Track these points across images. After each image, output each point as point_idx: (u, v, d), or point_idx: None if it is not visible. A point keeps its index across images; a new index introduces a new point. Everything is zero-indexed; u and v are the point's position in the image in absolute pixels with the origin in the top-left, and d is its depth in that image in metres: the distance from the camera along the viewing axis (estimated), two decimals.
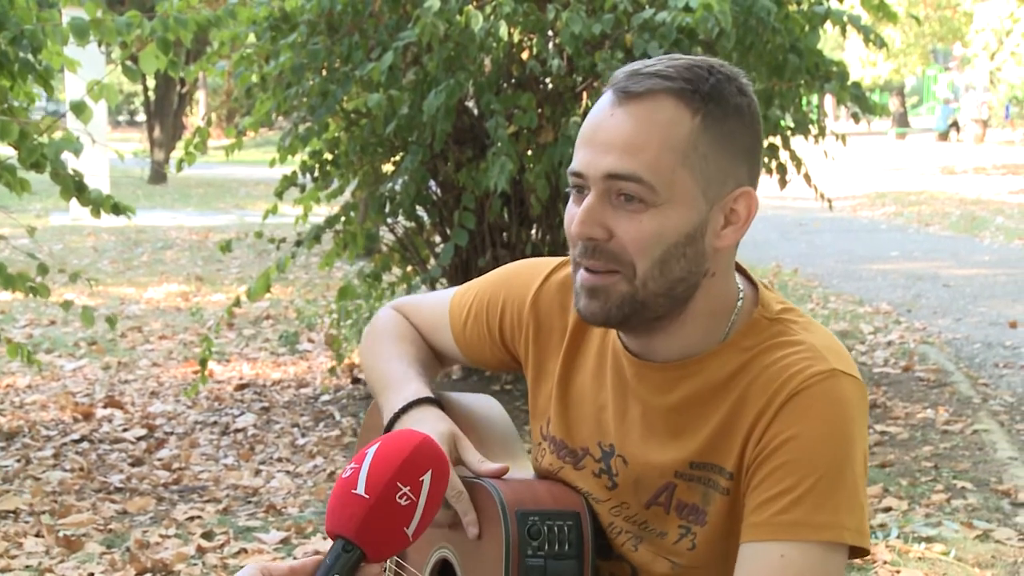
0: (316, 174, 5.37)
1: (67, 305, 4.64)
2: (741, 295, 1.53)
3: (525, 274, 1.73)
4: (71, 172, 4.30)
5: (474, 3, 4.76)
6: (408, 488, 1.33)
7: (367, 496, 1.31)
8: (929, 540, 3.70)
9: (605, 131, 1.45)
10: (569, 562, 1.53)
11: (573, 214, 1.48)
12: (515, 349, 1.72)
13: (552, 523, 1.54)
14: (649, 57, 2.05)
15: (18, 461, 4.69)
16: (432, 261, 5.48)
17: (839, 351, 1.50)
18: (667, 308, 1.48)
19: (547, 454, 1.67)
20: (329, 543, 1.33)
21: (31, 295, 4.42)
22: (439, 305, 1.82)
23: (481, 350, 1.76)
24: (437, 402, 1.72)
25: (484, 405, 1.83)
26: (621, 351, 1.57)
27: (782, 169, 5.48)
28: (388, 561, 1.80)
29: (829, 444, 1.42)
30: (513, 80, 5.01)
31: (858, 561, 3.51)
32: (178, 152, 5.48)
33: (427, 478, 1.35)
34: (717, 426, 1.49)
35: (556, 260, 1.73)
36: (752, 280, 1.57)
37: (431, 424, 1.66)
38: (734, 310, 1.52)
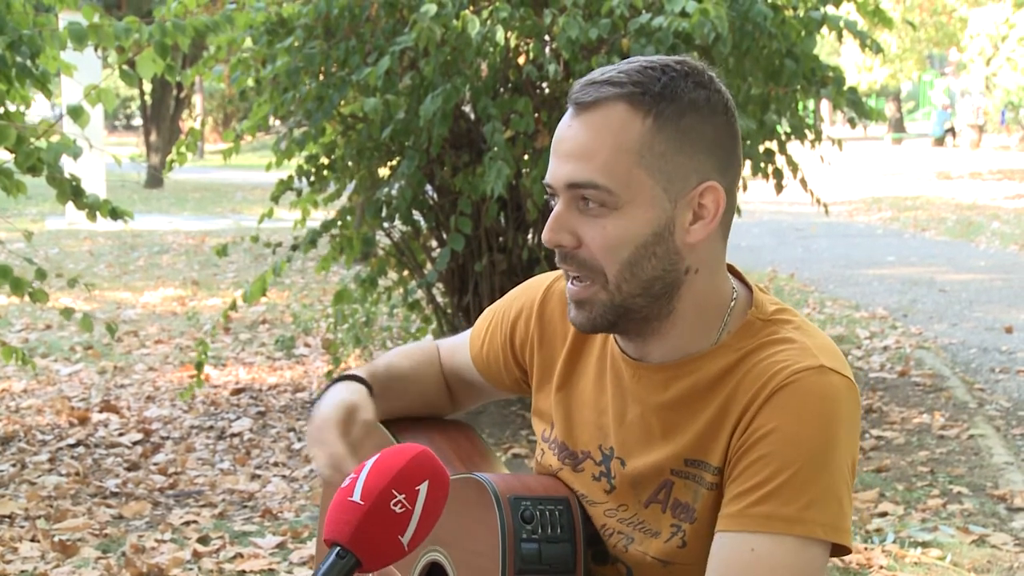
0: (312, 178, 5.37)
1: (68, 313, 4.63)
2: (734, 296, 1.55)
3: (533, 286, 1.77)
4: (68, 176, 4.30)
5: (471, 8, 4.77)
6: (403, 496, 1.34)
7: (362, 503, 1.33)
8: (925, 545, 3.71)
9: (564, 142, 1.50)
10: (563, 545, 1.55)
11: None
12: (524, 361, 1.75)
13: (544, 507, 1.56)
14: None
15: (14, 466, 4.68)
16: (428, 266, 5.48)
17: (832, 351, 1.50)
18: (650, 308, 1.50)
19: (547, 455, 1.69)
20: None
21: (30, 300, 4.43)
22: (465, 334, 1.87)
23: (498, 369, 1.79)
24: (361, 380, 1.77)
25: (461, 425, 1.86)
26: (619, 355, 1.60)
27: (779, 174, 5.48)
28: None
29: (809, 438, 1.43)
30: (510, 85, 5.01)
31: (855, 565, 3.53)
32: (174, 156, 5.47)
33: (423, 488, 1.36)
34: (706, 423, 1.51)
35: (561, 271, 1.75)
36: (746, 283, 1.59)
37: (337, 391, 1.73)
38: (727, 310, 1.53)
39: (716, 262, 1.54)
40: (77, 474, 4.56)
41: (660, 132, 1.46)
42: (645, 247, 1.47)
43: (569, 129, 1.50)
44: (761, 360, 1.48)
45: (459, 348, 1.86)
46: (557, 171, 1.50)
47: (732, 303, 1.54)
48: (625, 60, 1.52)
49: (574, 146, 1.48)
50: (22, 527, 3.96)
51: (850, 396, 1.47)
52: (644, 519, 1.56)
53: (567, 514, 1.57)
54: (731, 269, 1.58)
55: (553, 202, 1.52)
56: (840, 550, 1.44)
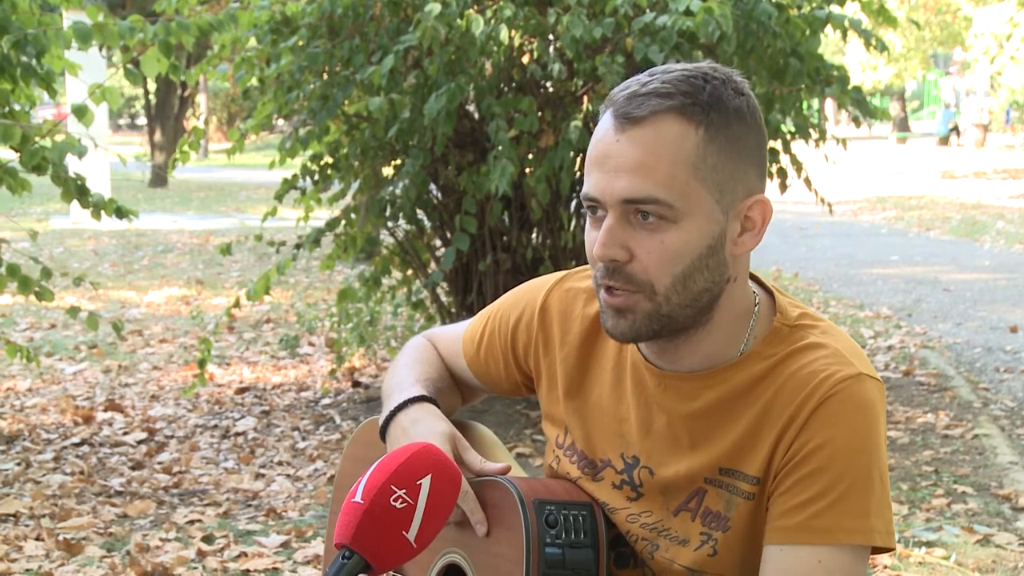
0: (316, 177, 5.38)
1: (74, 311, 4.64)
2: (757, 302, 1.55)
3: (532, 290, 1.75)
4: (72, 175, 4.31)
5: (475, 7, 4.76)
6: (404, 491, 1.34)
7: (362, 502, 1.33)
8: (930, 545, 3.70)
9: (614, 157, 1.45)
10: (586, 551, 1.55)
11: (593, 238, 1.49)
12: (527, 366, 1.74)
13: (568, 512, 1.56)
14: (649, 62, 2.05)
15: (18, 464, 4.68)
16: (432, 265, 5.48)
17: (860, 354, 1.52)
18: (694, 318, 1.50)
19: (564, 462, 1.68)
20: None
21: (36, 299, 4.43)
22: (456, 333, 1.85)
23: (497, 373, 1.78)
24: (434, 401, 1.73)
25: (475, 425, 1.85)
26: (641, 363, 1.58)
27: (783, 173, 5.47)
28: None
29: (859, 449, 1.46)
30: (514, 84, 5.01)
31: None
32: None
33: (426, 482, 1.36)
34: (743, 432, 1.51)
35: (560, 273, 1.75)
36: (765, 286, 1.59)
37: (429, 423, 1.68)
38: (752, 316, 1.54)
39: (747, 270, 1.55)
40: (81, 473, 4.56)
41: (712, 142, 1.45)
42: (700, 260, 1.46)
43: (618, 144, 1.45)
44: (798, 369, 1.49)
45: (456, 352, 1.84)
46: (608, 186, 1.45)
47: (756, 309, 1.54)
48: (660, 68, 1.50)
49: (627, 161, 1.44)
50: (27, 526, 3.97)
51: (883, 399, 1.51)
52: (670, 526, 1.56)
53: (590, 519, 1.57)
54: (750, 274, 1.58)
55: (597, 214, 1.48)
56: (884, 548, 1.48)
